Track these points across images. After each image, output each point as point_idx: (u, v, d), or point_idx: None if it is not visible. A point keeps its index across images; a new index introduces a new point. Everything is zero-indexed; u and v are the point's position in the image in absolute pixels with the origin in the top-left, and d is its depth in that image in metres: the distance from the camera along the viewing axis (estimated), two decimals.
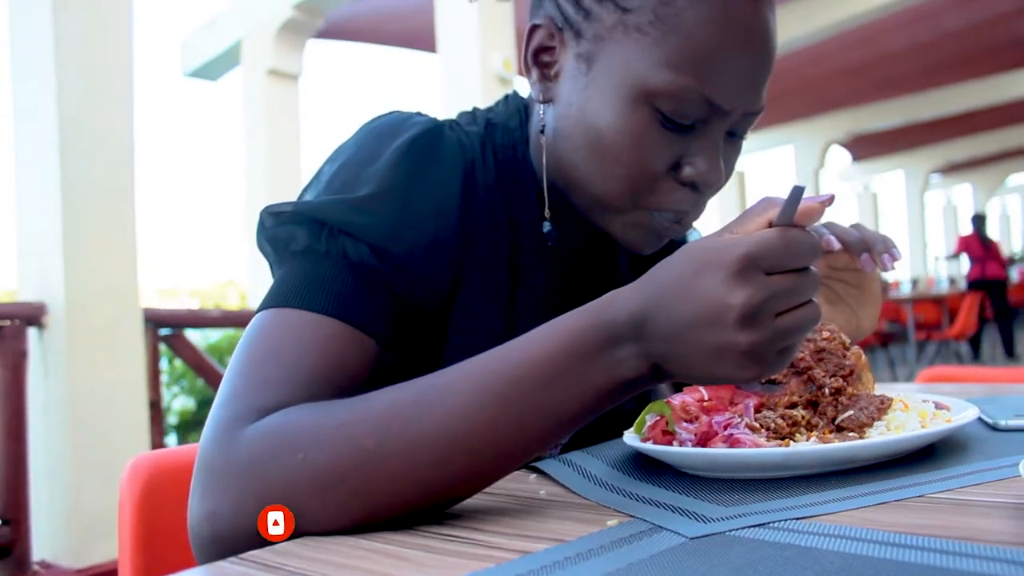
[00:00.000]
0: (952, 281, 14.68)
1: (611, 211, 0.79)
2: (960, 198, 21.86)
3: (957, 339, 8.61)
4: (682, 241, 1.02)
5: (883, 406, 0.69)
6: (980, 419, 0.84)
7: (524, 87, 0.88)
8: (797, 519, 0.52)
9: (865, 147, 14.76)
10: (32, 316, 3.12)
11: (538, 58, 0.81)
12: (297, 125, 6.20)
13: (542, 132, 0.83)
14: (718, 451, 0.64)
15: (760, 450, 0.62)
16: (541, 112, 0.83)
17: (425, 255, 0.75)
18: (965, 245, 9.98)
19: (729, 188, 11.86)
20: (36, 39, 3.15)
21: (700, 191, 0.77)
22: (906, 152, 15.94)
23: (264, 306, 0.70)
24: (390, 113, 0.82)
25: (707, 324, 0.53)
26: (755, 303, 0.52)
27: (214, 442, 0.60)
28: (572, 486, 0.66)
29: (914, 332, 8.87)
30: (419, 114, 0.83)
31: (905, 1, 7.03)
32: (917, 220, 17.71)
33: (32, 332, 3.15)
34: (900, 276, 13.31)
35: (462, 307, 0.80)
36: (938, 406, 0.76)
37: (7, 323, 3.07)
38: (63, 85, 3.09)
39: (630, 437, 0.73)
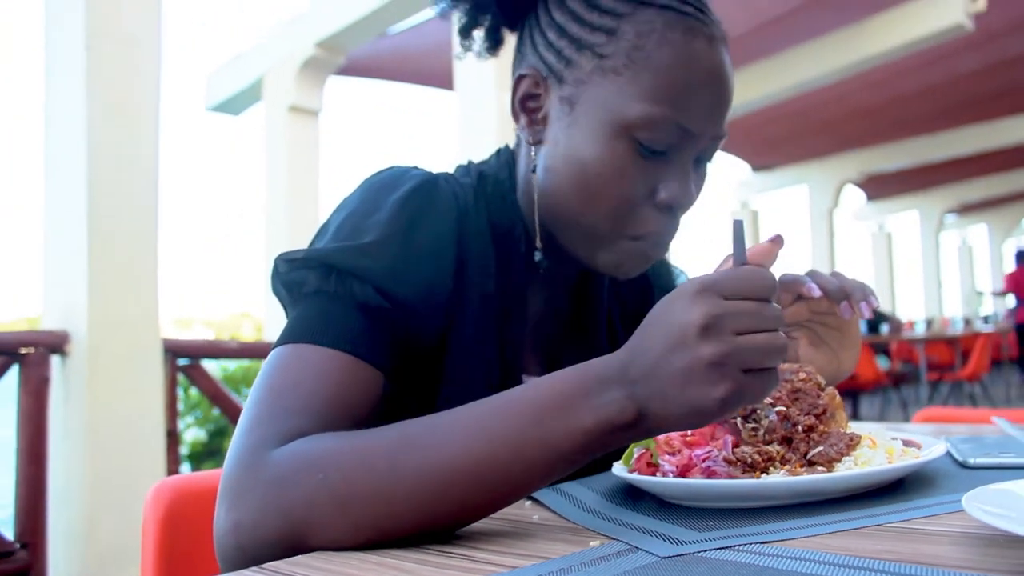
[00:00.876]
0: (967, 322, 14.62)
1: (597, 241, 0.88)
2: (975, 238, 21.80)
3: (970, 380, 8.58)
4: (667, 276, 1.12)
5: (852, 443, 0.75)
6: (951, 456, 0.89)
7: None
8: (761, 543, 0.57)
9: (879, 187, 14.80)
10: (55, 344, 3.20)
11: (525, 105, 0.91)
12: (317, 160, 6.33)
13: (533, 171, 0.92)
14: (695, 481, 0.70)
15: (734, 481, 0.68)
16: (532, 153, 0.92)
17: (424, 295, 0.82)
18: (1014, 284, 9.80)
19: (746, 224, 11.89)
20: (68, 76, 3.26)
21: (674, 213, 0.87)
22: (920, 192, 15.97)
23: (281, 342, 0.77)
24: (389, 168, 0.91)
25: (674, 347, 0.60)
26: (711, 315, 0.59)
27: (239, 463, 0.67)
28: (562, 512, 0.72)
29: (926, 372, 8.85)
30: (416, 168, 0.91)
31: (919, 44, 7.11)
32: (932, 260, 17.69)
33: (55, 359, 3.23)
34: (914, 316, 13.29)
35: (457, 342, 0.86)
36: (908, 443, 0.82)
37: (31, 350, 3.15)
38: (92, 120, 3.19)
39: (618, 468, 0.80)
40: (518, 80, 0.91)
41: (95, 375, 3.17)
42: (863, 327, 8.98)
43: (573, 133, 0.86)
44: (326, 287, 0.79)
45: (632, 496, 0.77)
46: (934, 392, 9.51)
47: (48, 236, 3.36)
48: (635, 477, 0.74)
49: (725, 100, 0.86)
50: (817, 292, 0.88)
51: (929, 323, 14.97)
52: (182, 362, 3.68)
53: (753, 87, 8.36)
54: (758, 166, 12.96)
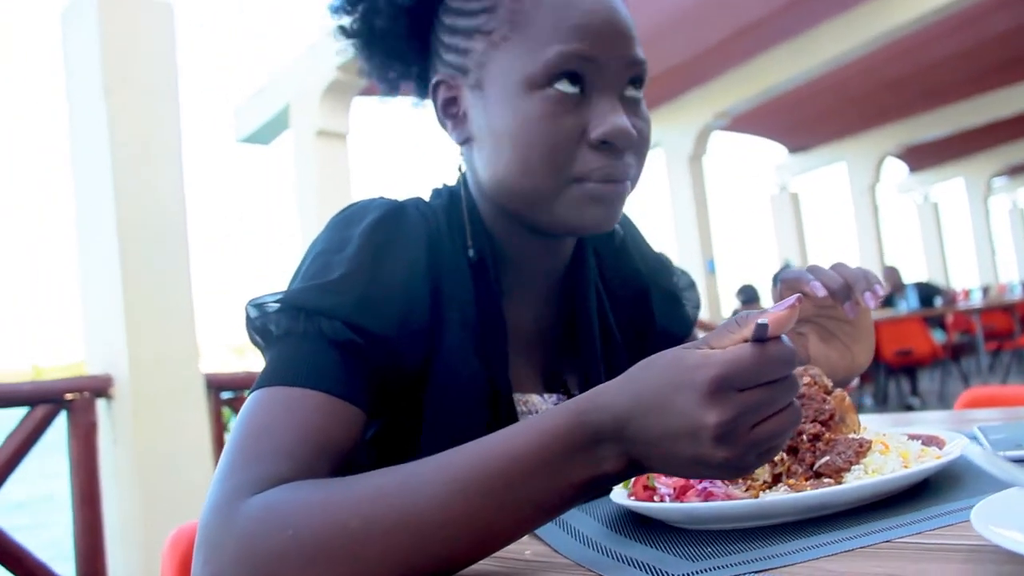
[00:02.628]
0: None
1: (546, 200, 0.85)
2: None
3: None
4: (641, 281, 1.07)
5: (861, 449, 0.71)
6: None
7: None
8: (757, 572, 0.54)
9: (921, 157, 14.48)
10: (100, 388, 3.25)
11: (447, 110, 0.92)
12: (348, 182, 6.36)
13: (460, 170, 0.94)
14: (691, 506, 0.66)
15: (732, 502, 0.65)
16: (461, 153, 0.93)
17: (398, 325, 0.81)
18: None
19: (784, 208, 11.74)
20: (90, 124, 3.31)
21: (615, 148, 0.83)
22: (964, 159, 15.58)
23: (255, 388, 0.75)
24: (354, 203, 0.90)
25: (684, 438, 0.56)
26: (728, 421, 0.55)
27: (215, 513, 0.65)
28: (556, 546, 0.69)
29: (984, 343, 8.61)
30: (381, 198, 0.91)
31: (947, 9, 6.94)
32: (982, 227, 17.26)
33: (100, 403, 3.28)
34: (969, 285, 12.93)
35: (440, 369, 0.85)
36: (928, 441, 0.77)
37: (76, 396, 3.20)
38: (116, 165, 3.24)
39: (617, 492, 0.76)
40: (434, 89, 0.92)
41: (140, 416, 3.21)
42: (916, 302, 8.86)
43: (490, 112, 0.86)
44: (295, 328, 0.78)
45: (634, 520, 0.74)
46: (995, 361, 9.25)
47: (84, 282, 3.42)
48: (631, 503, 0.71)
49: (620, 22, 0.84)
50: (822, 291, 0.84)
51: (985, 291, 14.57)
52: (225, 395, 3.71)
53: (782, 68, 8.25)
54: (794, 148, 12.75)
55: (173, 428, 3.31)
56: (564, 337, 0.99)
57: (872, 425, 0.99)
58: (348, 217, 0.87)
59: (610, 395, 0.60)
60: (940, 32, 8.03)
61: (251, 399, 0.75)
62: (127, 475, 3.22)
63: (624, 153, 0.85)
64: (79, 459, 3.20)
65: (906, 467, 0.69)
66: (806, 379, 0.78)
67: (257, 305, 0.80)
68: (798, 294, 0.59)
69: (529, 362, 0.96)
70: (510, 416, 0.88)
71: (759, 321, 0.56)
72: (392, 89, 1.00)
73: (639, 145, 0.86)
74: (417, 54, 0.96)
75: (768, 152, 12.96)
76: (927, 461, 0.70)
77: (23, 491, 9.35)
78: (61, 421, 3.20)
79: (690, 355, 0.57)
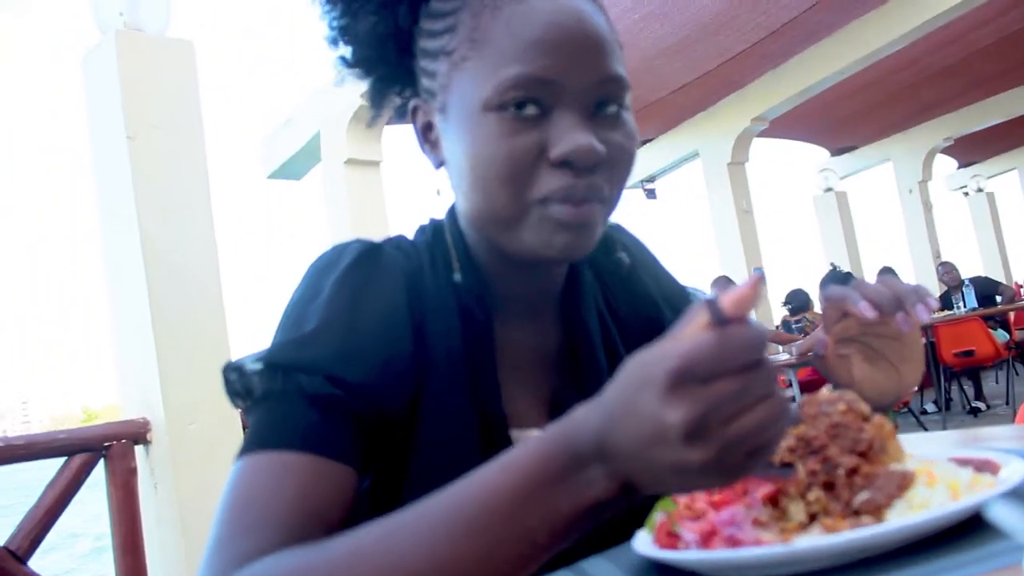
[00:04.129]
0: None
1: (509, 225, 0.80)
2: None
3: None
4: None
5: (904, 483, 0.63)
6: None
7: None
8: None
9: (970, 151, 14.12)
10: (137, 434, 3.21)
11: (426, 135, 0.89)
12: (383, 210, 6.32)
13: (438, 193, 0.92)
14: (717, 554, 0.60)
15: (759, 550, 0.59)
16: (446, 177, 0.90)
17: (381, 373, 0.77)
18: None
19: (830, 211, 11.50)
20: (114, 168, 3.30)
21: (576, 167, 0.77)
22: (1017, 149, 15.15)
23: (239, 455, 0.72)
24: (330, 248, 0.87)
25: (656, 444, 0.50)
26: (694, 419, 0.48)
27: None
28: None
29: None
30: (357, 241, 0.87)
31: None
32: None
33: (139, 449, 3.24)
34: None
35: (429, 410, 0.82)
36: (981, 467, 0.69)
37: (114, 443, 3.17)
38: (142, 208, 3.23)
39: (641, 538, 0.70)
40: (412, 114, 0.90)
41: (179, 460, 3.19)
42: (974, 300, 8.58)
43: (453, 134, 0.82)
44: (273, 387, 0.74)
45: (659, 570, 0.67)
46: None
47: (115, 327, 3.40)
48: (653, 552, 0.65)
49: (586, 36, 0.78)
50: (870, 312, 0.78)
51: None
52: None
53: (819, 67, 8.10)
54: (837, 149, 12.52)
55: (214, 471, 3.26)
56: (568, 367, 0.93)
57: (934, 446, 0.89)
58: (322, 264, 0.85)
59: (584, 413, 0.56)
60: (983, 18, 7.81)
61: (236, 467, 0.72)
62: (169, 521, 3.18)
63: (590, 173, 0.78)
64: (119, 507, 3.16)
65: (955, 499, 0.61)
66: (840, 406, 0.71)
67: (235, 368, 0.76)
68: (760, 270, 0.50)
69: (531, 395, 0.91)
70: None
71: (714, 302, 0.50)
72: (401, 116, 0.96)
73: (613, 163, 0.80)
74: (410, 84, 0.92)
75: (811, 156, 12.72)
76: (979, 491, 0.62)
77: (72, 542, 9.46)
78: (100, 470, 3.17)
79: (650, 351, 0.52)
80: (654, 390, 0.50)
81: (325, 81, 6.42)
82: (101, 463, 3.20)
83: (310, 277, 0.84)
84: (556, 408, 0.91)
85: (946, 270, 9.07)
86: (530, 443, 0.57)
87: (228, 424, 3.33)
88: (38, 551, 2.93)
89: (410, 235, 0.95)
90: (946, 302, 8.89)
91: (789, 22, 7.39)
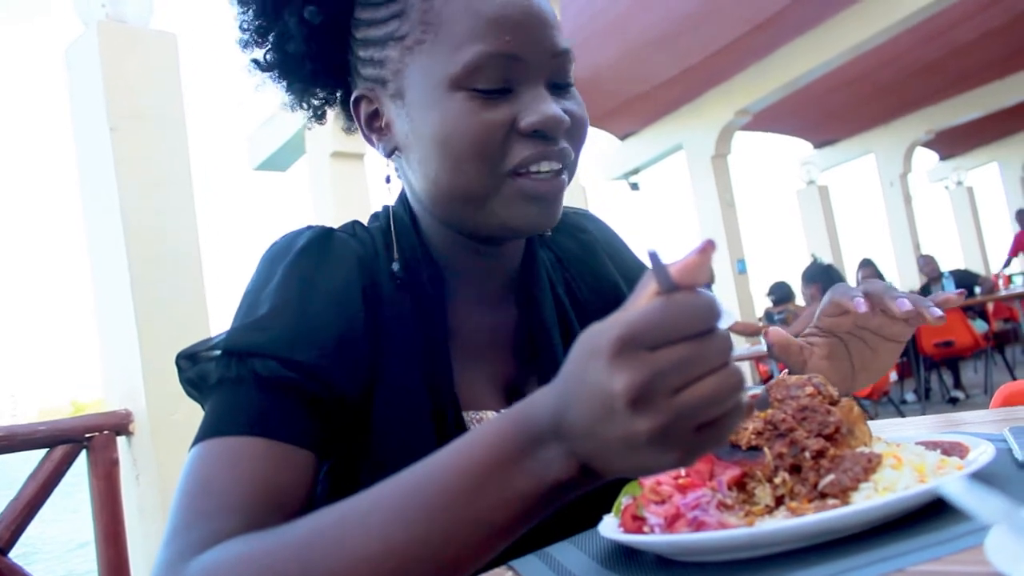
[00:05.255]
0: None
1: (481, 199, 0.81)
2: None
3: None
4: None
5: (870, 465, 0.63)
6: (1011, 455, 0.74)
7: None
8: None
9: (951, 144, 14.20)
10: (119, 425, 3.19)
11: (372, 125, 0.89)
12: (368, 202, 6.31)
13: (387, 181, 0.92)
14: (681, 537, 0.60)
15: (724, 532, 0.59)
16: (393, 167, 0.91)
17: (334, 353, 0.77)
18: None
19: (812, 203, 11.55)
20: (97, 159, 3.29)
21: (547, 136, 0.80)
22: (997, 142, 15.23)
23: (194, 443, 0.72)
24: (282, 236, 0.87)
25: (604, 417, 0.49)
26: (637, 385, 0.47)
27: None
28: None
29: None
30: (308, 227, 0.87)
31: None
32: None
33: (121, 441, 3.23)
34: (1012, 271, 12.62)
35: (384, 393, 0.81)
36: (949, 451, 0.70)
37: (95, 434, 3.16)
38: (124, 199, 3.21)
39: (607, 523, 0.71)
40: (355, 105, 0.90)
41: (162, 451, 3.17)
42: (954, 291, 8.60)
43: (413, 118, 0.82)
44: (228, 374, 0.74)
45: (625, 554, 0.68)
46: None
47: (99, 318, 3.39)
48: (618, 536, 0.65)
49: (538, 12, 0.81)
50: (863, 307, 0.82)
51: None
52: None
53: (802, 60, 8.12)
54: (820, 142, 12.55)
55: None
56: (525, 349, 0.94)
57: (911, 430, 0.91)
58: (274, 250, 0.85)
59: (541, 393, 0.55)
60: (964, 13, 7.85)
61: (191, 455, 0.71)
62: (151, 513, 3.17)
63: (558, 140, 0.81)
64: (101, 498, 3.15)
65: (922, 482, 0.61)
66: (808, 389, 0.71)
67: (188, 356, 0.77)
68: (710, 239, 0.50)
69: (489, 378, 0.91)
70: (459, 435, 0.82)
71: (662, 269, 0.48)
72: (319, 117, 0.97)
73: (573, 131, 0.84)
74: (336, 76, 0.92)
75: (793, 149, 12.76)
76: (946, 474, 0.62)
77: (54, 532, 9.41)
78: (82, 462, 3.16)
79: (600, 323, 0.51)
80: (601, 359, 0.49)
81: None
82: (83, 454, 3.20)
83: (264, 264, 0.84)
84: (513, 391, 0.92)
85: (926, 262, 9.13)
86: (486, 425, 0.57)
87: None
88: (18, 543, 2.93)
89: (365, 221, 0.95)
90: (926, 293, 8.93)
91: (773, 16, 7.40)
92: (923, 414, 7.35)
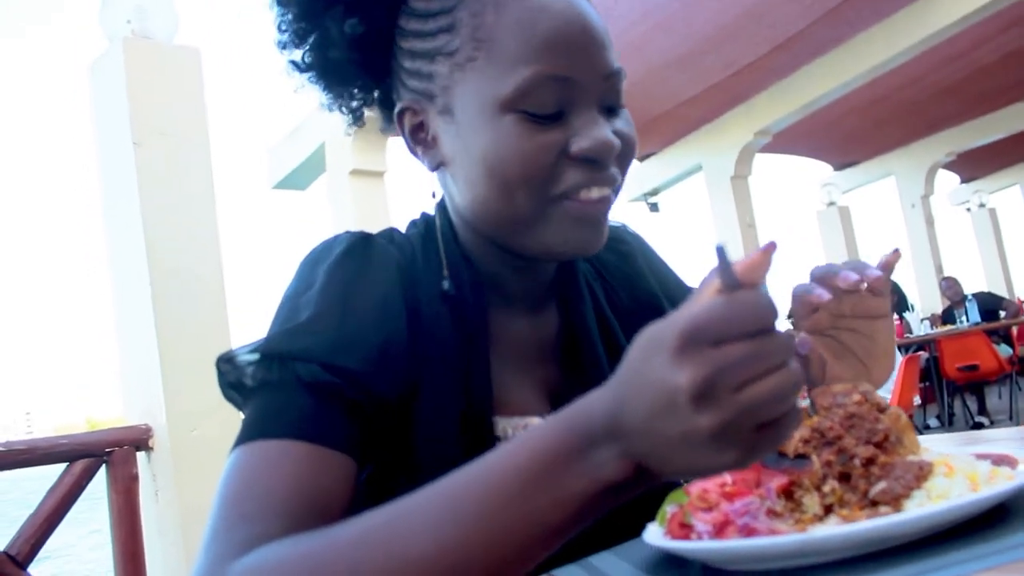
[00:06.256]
0: None
1: (528, 223, 0.81)
2: None
3: None
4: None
5: (922, 473, 0.62)
6: None
7: None
8: None
9: (973, 166, 14.11)
10: (139, 440, 3.20)
11: (416, 136, 0.89)
12: (388, 221, 6.29)
13: (433, 196, 0.92)
14: (731, 544, 0.59)
15: (776, 539, 0.57)
16: (438, 182, 0.91)
17: (378, 360, 0.77)
18: None
19: (833, 224, 11.49)
20: (120, 175, 3.30)
21: (598, 161, 0.79)
22: (1020, 165, 15.12)
23: (235, 445, 0.72)
24: (321, 242, 0.87)
25: (665, 412, 0.49)
26: (702, 380, 0.47)
27: None
28: None
29: None
30: (347, 232, 0.87)
31: (993, 6, 6.74)
32: None
33: (140, 456, 3.23)
34: None
35: (425, 400, 0.81)
36: (999, 460, 0.68)
37: (115, 449, 3.16)
38: (147, 215, 3.22)
39: (651, 531, 0.70)
40: (399, 117, 0.89)
41: (181, 467, 3.17)
42: (977, 315, 8.56)
43: (463, 136, 0.82)
44: (269, 377, 0.74)
45: (671, 563, 0.66)
46: None
47: (119, 333, 3.39)
48: (665, 543, 0.64)
49: (593, 32, 0.80)
50: (853, 276, 0.75)
51: None
52: None
53: (823, 81, 8.10)
54: (841, 164, 12.50)
55: (215, 479, 3.23)
56: (568, 357, 0.94)
57: (935, 445, 0.89)
58: (314, 256, 0.85)
59: (601, 392, 0.56)
60: (987, 34, 7.81)
61: (232, 457, 0.71)
62: (171, 529, 3.16)
63: (608, 165, 0.81)
64: (120, 514, 3.15)
65: (975, 490, 0.60)
66: (856, 396, 0.70)
67: (228, 359, 0.76)
68: (774, 240, 0.51)
69: (532, 384, 0.91)
70: (491, 442, 0.83)
71: (727, 267, 0.50)
72: (357, 119, 0.97)
73: (624, 153, 0.83)
74: (377, 80, 0.92)
75: (814, 170, 12.71)
76: (999, 483, 0.61)
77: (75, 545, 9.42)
78: (101, 476, 3.16)
79: (659, 322, 0.52)
80: (663, 354, 0.49)
81: None
82: (103, 469, 3.20)
83: (303, 269, 0.84)
84: (558, 397, 0.91)
85: (949, 285, 9.06)
86: (540, 426, 0.57)
87: (230, 432, 3.29)
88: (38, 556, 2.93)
89: (402, 229, 0.95)
90: (949, 317, 8.86)
91: (793, 36, 7.39)
92: None
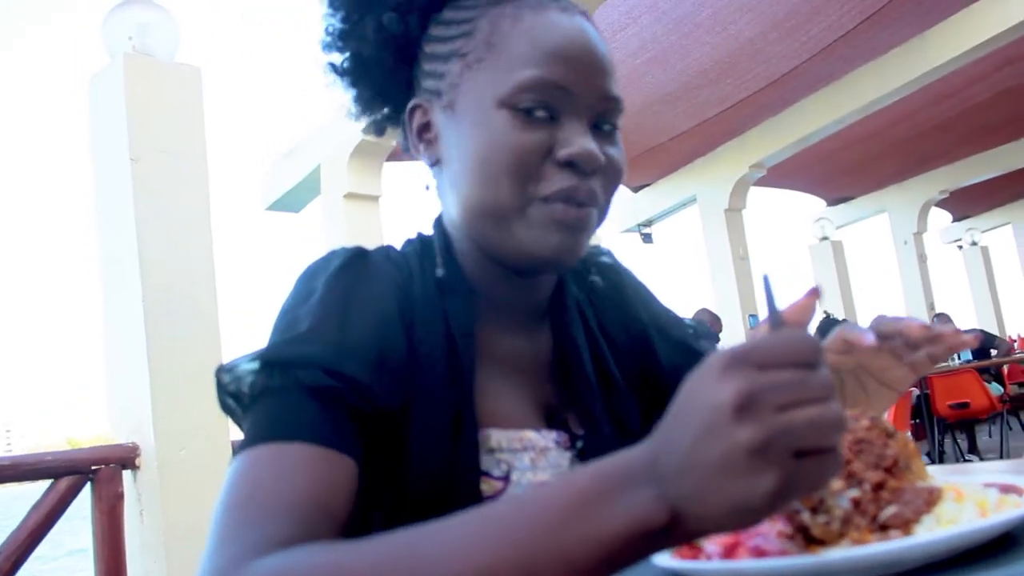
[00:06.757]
0: None
1: (507, 218, 0.83)
2: None
3: None
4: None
5: (932, 498, 0.62)
6: None
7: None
8: None
9: (966, 204, 14.22)
10: (126, 458, 3.17)
11: (422, 135, 0.92)
12: (382, 244, 6.30)
13: (427, 189, 0.95)
14: (742, 565, 0.59)
15: (790, 560, 0.57)
16: (432, 174, 0.93)
17: (377, 367, 0.78)
18: None
19: (826, 259, 11.56)
20: (116, 191, 3.30)
21: (581, 170, 0.82)
22: (1012, 203, 15.25)
23: (238, 451, 0.71)
24: (319, 257, 0.88)
25: (707, 433, 0.49)
26: (745, 392, 0.48)
27: None
28: None
29: None
30: (343, 247, 0.89)
31: (985, 47, 6.85)
32: None
33: (127, 475, 3.20)
34: None
35: (417, 411, 0.82)
36: (1006, 489, 0.67)
37: (102, 467, 3.12)
38: (142, 232, 3.22)
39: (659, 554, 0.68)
40: (409, 115, 0.93)
41: (167, 487, 3.15)
42: (968, 353, 8.57)
43: (460, 130, 0.86)
44: (271, 383, 0.74)
45: None
46: None
47: (109, 351, 3.38)
48: (674, 564, 0.63)
49: (595, 54, 0.85)
50: (870, 337, 0.80)
51: None
52: None
53: (817, 116, 8.18)
54: (834, 199, 12.59)
55: (201, 499, 3.21)
56: (560, 374, 0.95)
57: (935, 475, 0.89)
58: (312, 269, 0.86)
59: (643, 443, 0.55)
60: (980, 73, 7.91)
61: (235, 463, 0.71)
62: (154, 549, 3.12)
63: (591, 177, 0.83)
64: (104, 533, 3.11)
65: (985, 517, 0.60)
66: (864, 422, 0.70)
67: (228, 370, 0.77)
68: (818, 285, 0.56)
69: (523, 399, 0.92)
70: (483, 455, 0.84)
71: (775, 310, 0.53)
72: (379, 131, 1.00)
73: (608, 174, 0.86)
74: (403, 93, 0.95)
75: (807, 205, 12.79)
76: (1008, 510, 0.61)
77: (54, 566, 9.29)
78: (86, 494, 3.13)
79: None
80: (710, 374, 0.51)
81: (327, 115, 6.45)
82: (87, 487, 3.16)
83: (301, 282, 0.85)
84: (551, 414, 0.93)
85: (941, 322, 9.08)
86: (585, 465, 0.57)
87: (218, 452, 3.29)
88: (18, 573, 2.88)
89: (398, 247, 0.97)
90: None
91: (789, 72, 7.47)
92: None
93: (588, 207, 0.84)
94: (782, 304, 0.53)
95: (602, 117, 0.86)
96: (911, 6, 6.67)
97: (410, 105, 0.93)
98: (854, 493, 0.63)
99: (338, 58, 0.96)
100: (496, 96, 0.82)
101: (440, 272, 0.89)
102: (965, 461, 7.54)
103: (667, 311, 1.09)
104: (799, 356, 0.50)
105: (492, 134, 0.82)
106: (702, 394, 0.50)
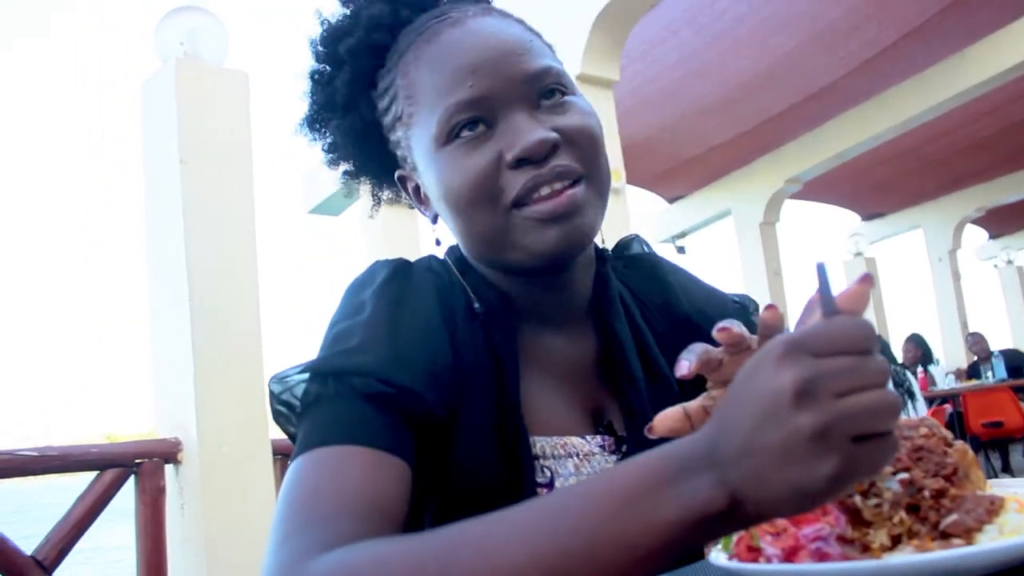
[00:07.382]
0: None
1: (499, 238, 0.85)
2: None
3: None
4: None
5: (993, 507, 0.61)
6: None
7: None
8: None
9: (1002, 223, 14.00)
10: (168, 453, 3.23)
11: (418, 198, 0.97)
12: (419, 250, 6.32)
13: (438, 244, 0.99)
14: (805, 568, 0.59)
15: (851, 564, 0.57)
16: (434, 230, 0.98)
17: (428, 375, 0.80)
18: None
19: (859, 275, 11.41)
20: (165, 193, 3.37)
21: (534, 160, 0.82)
22: None
23: (296, 455, 0.74)
24: (364, 270, 0.92)
25: (767, 419, 0.50)
26: (804, 379, 0.49)
27: None
28: None
29: None
30: (388, 261, 0.93)
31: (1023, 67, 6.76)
32: None
33: (169, 469, 3.26)
34: None
35: (466, 416, 0.84)
36: None
37: (145, 460, 3.19)
38: (190, 235, 3.28)
39: (716, 554, 0.69)
40: (401, 184, 0.99)
41: (208, 482, 3.19)
42: (1003, 371, 8.46)
43: (426, 183, 0.91)
44: (326, 391, 0.77)
45: None
46: None
47: (155, 348, 3.43)
48: (732, 565, 0.63)
49: (503, 49, 0.85)
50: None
51: None
52: None
53: (854, 132, 8.11)
54: (868, 214, 12.47)
55: (242, 495, 3.27)
56: (608, 375, 0.95)
57: None
58: (359, 283, 0.89)
59: (702, 430, 0.57)
60: (1019, 91, 7.81)
61: (293, 467, 0.73)
62: (195, 542, 3.18)
63: (551, 159, 0.83)
64: (146, 525, 3.17)
65: None
66: (923, 430, 0.70)
67: (281, 379, 0.81)
68: (868, 273, 0.56)
69: (569, 403, 0.93)
70: (529, 461, 0.85)
71: (828, 296, 0.54)
72: (377, 202, 1.08)
73: (572, 142, 0.84)
74: (385, 165, 1.01)
75: (841, 220, 12.67)
76: None
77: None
78: (130, 487, 3.19)
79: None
80: (768, 363, 0.51)
81: None
82: (131, 480, 3.23)
83: (349, 295, 0.88)
84: (598, 416, 0.93)
85: (975, 340, 8.99)
86: (646, 452, 0.57)
87: (259, 449, 3.34)
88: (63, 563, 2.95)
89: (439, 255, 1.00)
90: (975, 372, 8.78)
91: (827, 86, 7.43)
92: None
93: (567, 188, 0.83)
94: (835, 292, 0.54)
95: (540, 92, 0.85)
96: (951, 24, 6.62)
97: (396, 175, 0.99)
98: (903, 476, 0.64)
99: (321, 143, 1.02)
100: (433, 139, 0.85)
101: (477, 306, 0.91)
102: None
103: (707, 290, 1.08)
104: (855, 343, 0.51)
105: (445, 174, 0.85)
106: (761, 381, 0.51)
